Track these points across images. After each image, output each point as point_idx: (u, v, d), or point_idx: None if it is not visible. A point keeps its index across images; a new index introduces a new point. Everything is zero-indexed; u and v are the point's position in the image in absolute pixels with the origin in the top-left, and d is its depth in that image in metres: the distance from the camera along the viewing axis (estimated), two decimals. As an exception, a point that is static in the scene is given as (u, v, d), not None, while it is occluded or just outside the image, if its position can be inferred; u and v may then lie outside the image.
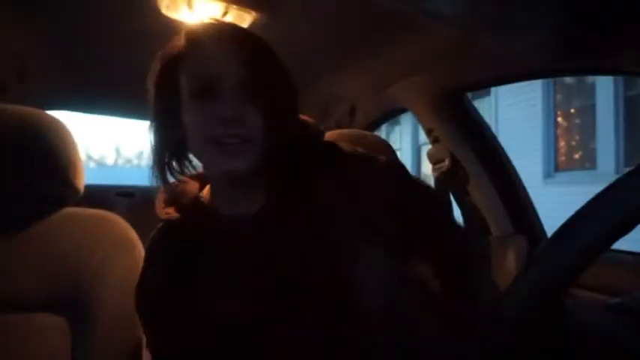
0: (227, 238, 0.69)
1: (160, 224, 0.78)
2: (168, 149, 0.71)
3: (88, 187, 0.93)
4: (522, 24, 0.89)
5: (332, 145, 0.75)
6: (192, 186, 0.77)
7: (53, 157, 0.85)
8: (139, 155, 16.03)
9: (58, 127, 0.88)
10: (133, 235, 0.94)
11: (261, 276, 0.65)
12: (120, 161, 15.66)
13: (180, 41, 0.68)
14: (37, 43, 1.17)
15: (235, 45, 0.66)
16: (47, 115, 0.89)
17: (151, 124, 0.72)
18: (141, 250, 0.94)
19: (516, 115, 7.38)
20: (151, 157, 0.71)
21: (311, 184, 0.70)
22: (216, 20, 0.70)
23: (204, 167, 0.71)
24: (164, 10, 1.01)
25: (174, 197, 0.75)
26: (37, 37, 1.14)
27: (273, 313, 0.64)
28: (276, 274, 0.65)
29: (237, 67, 0.64)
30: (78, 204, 0.92)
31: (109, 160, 15.38)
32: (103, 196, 1.69)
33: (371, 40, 1.11)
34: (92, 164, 14.19)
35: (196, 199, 0.75)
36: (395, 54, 1.22)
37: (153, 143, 0.71)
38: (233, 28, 0.70)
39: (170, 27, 1.07)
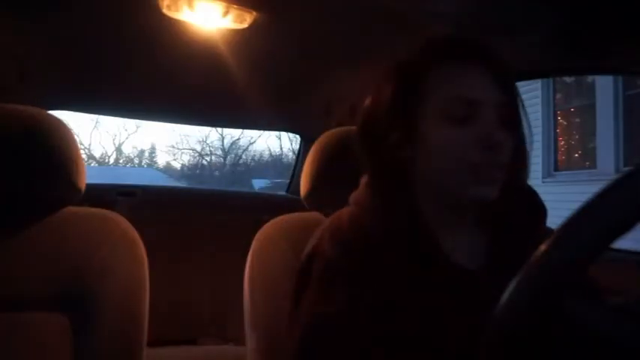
0: (456, 289, 0.63)
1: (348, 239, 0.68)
2: (391, 166, 0.67)
3: (89, 187, 0.93)
4: (523, 24, 0.89)
5: (540, 206, 0.73)
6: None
7: (54, 156, 0.85)
8: (140, 154, 16.00)
9: (58, 127, 0.88)
10: (135, 234, 0.94)
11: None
12: (121, 161, 15.62)
13: (423, 57, 0.67)
14: (38, 43, 1.17)
15: (492, 66, 0.64)
16: (48, 114, 0.89)
17: (368, 138, 0.70)
18: (142, 249, 0.94)
19: (516, 114, 7.36)
20: (370, 172, 0.70)
21: (525, 237, 0.66)
22: (460, 36, 0.67)
23: (444, 192, 0.66)
24: (165, 10, 1.01)
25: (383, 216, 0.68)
26: (37, 37, 1.14)
27: None
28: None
29: (497, 91, 0.63)
30: (79, 203, 0.92)
31: (111, 160, 15.31)
32: (104, 196, 1.69)
33: (371, 39, 1.11)
34: (93, 163, 14.16)
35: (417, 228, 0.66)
36: (396, 53, 1.22)
37: (370, 158, 0.70)
38: (483, 46, 0.66)
39: (170, 27, 1.07)
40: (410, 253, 0.65)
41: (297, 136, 2.18)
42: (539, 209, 0.73)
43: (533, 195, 0.74)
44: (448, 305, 0.62)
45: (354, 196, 0.74)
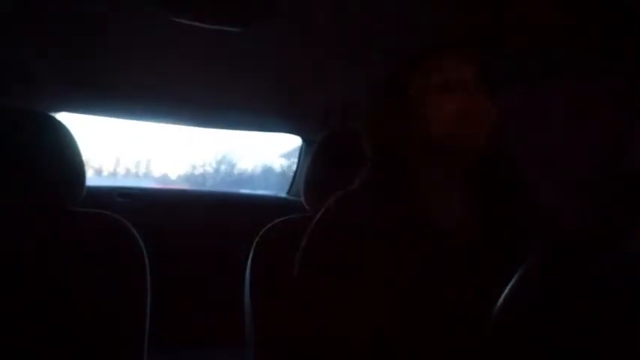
0: (440, 249, 0.70)
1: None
2: (390, 142, 0.78)
3: (90, 189, 0.93)
4: (523, 24, 0.89)
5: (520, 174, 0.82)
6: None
7: (55, 158, 0.85)
8: (137, 164, 15.87)
9: (60, 129, 0.88)
10: (135, 235, 0.95)
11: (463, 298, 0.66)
12: (119, 169, 15.49)
13: (423, 50, 0.80)
14: (40, 44, 1.17)
15: (473, 55, 0.76)
16: (49, 116, 0.89)
17: (372, 118, 0.81)
18: (143, 251, 0.94)
19: (516, 115, 7.37)
20: (372, 152, 0.80)
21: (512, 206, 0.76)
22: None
23: (437, 149, 0.74)
24: (165, 12, 1.01)
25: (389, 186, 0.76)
26: (39, 38, 1.14)
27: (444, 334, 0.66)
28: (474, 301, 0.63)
29: (472, 69, 0.74)
30: (80, 205, 0.93)
31: (109, 169, 15.16)
32: (105, 197, 1.69)
33: (371, 40, 1.11)
34: (90, 173, 14.03)
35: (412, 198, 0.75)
36: (395, 54, 1.22)
37: (381, 137, 0.79)
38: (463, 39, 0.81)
39: (171, 29, 1.07)
40: (407, 224, 0.71)
41: (290, 143, 2.18)
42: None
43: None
44: (440, 268, 0.68)
45: (358, 178, 0.80)
